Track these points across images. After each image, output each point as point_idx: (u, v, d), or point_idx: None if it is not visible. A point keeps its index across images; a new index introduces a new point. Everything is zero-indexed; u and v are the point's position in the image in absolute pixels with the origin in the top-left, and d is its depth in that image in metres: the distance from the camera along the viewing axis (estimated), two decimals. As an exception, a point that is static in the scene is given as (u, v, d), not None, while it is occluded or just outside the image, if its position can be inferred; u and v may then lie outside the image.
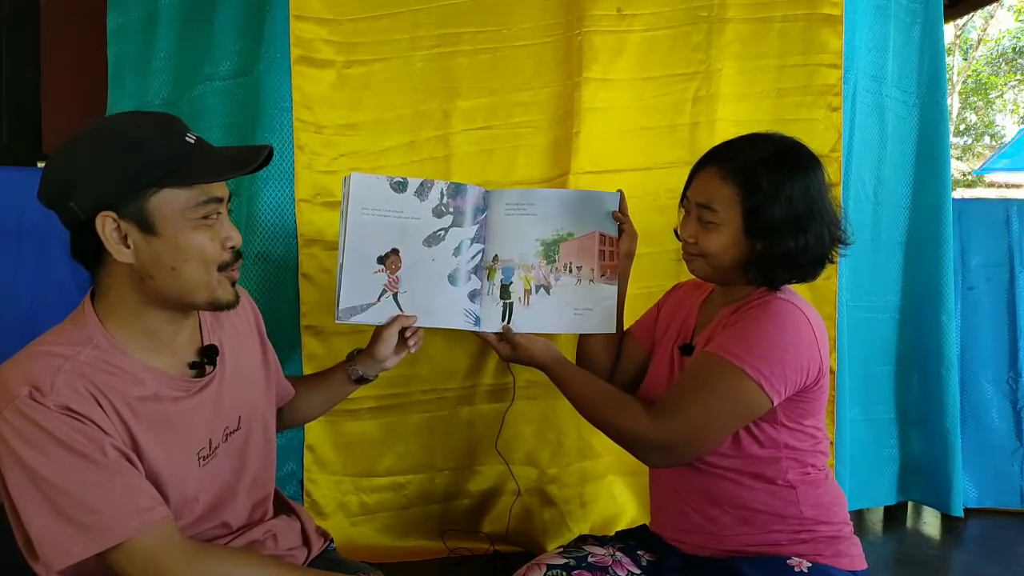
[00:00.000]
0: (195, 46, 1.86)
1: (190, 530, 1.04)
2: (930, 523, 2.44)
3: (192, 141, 0.98)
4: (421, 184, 1.34)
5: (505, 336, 1.38)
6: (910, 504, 2.50)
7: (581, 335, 1.48)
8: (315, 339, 1.85)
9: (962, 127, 16.59)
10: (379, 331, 1.32)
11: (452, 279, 1.37)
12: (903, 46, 2.25)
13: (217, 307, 1.03)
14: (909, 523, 2.45)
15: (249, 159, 0.99)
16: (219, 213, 1.00)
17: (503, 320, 1.39)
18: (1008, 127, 16.52)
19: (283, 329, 1.82)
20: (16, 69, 2.68)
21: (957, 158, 15.43)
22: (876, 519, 2.45)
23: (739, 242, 1.22)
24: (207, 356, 1.09)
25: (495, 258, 1.40)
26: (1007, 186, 13.32)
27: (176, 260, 0.97)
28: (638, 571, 1.29)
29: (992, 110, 16.77)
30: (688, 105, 1.99)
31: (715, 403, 1.18)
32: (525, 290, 1.40)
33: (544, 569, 1.24)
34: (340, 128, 1.86)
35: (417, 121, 1.90)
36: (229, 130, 1.85)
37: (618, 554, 1.30)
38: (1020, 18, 15.49)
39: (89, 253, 0.98)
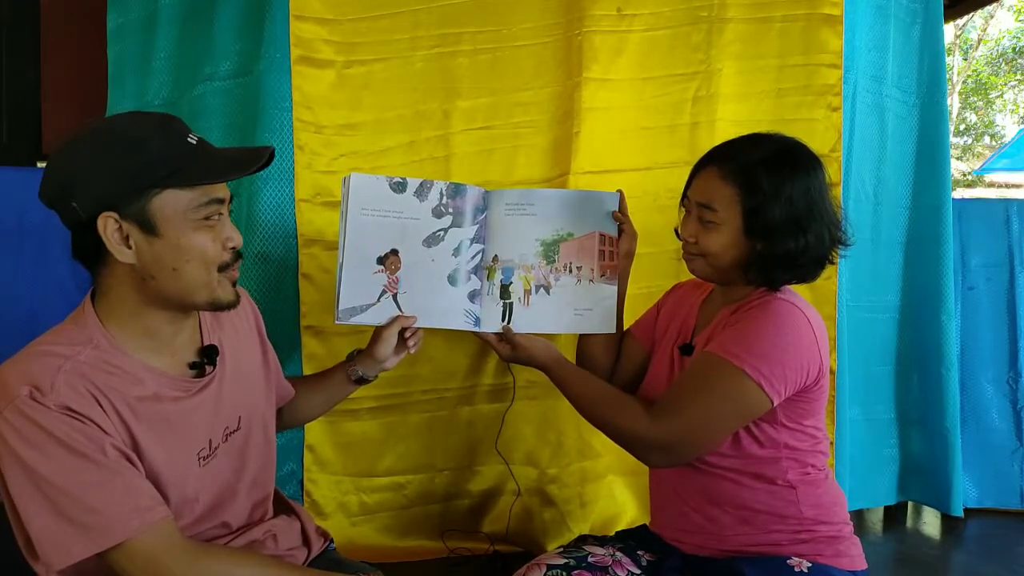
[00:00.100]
0: (195, 46, 1.86)
1: (190, 530, 1.04)
2: (930, 523, 2.44)
3: (194, 142, 0.98)
4: (421, 184, 1.34)
5: (505, 336, 1.38)
6: (910, 504, 2.50)
7: (581, 335, 1.48)
8: (315, 339, 1.86)
9: (962, 127, 16.60)
10: (379, 331, 1.33)
11: (452, 279, 1.37)
12: (903, 46, 2.25)
13: (218, 307, 1.03)
14: (909, 523, 2.45)
15: (251, 160, 1.00)
16: (221, 214, 1.00)
17: (503, 320, 1.39)
18: (1008, 127, 16.54)
19: (283, 329, 1.82)
20: (16, 69, 2.68)
21: (957, 158, 15.43)
22: (876, 519, 2.45)
23: (739, 242, 1.22)
24: (207, 356, 1.09)
25: (495, 258, 1.40)
26: (1007, 186, 13.32)
27: (177, 261, 0.97)
28: (638, 571, 1.29)
29: (992, 110, 16.77)
30: (688, 105, 1.99)
31: (715, 403, 1.18)
32: (525, 290, 1.40)
33: (544, 569, 1.24)
34: (340, 128, 1.86)
35: (417, 121, 1.90)
36: (229, 130, 1.85)
37: (618, 554, 1.30)
38: (1020, 18, 15.49)
39: (90, 253, 0.98)
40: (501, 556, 1.96)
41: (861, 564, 1.24)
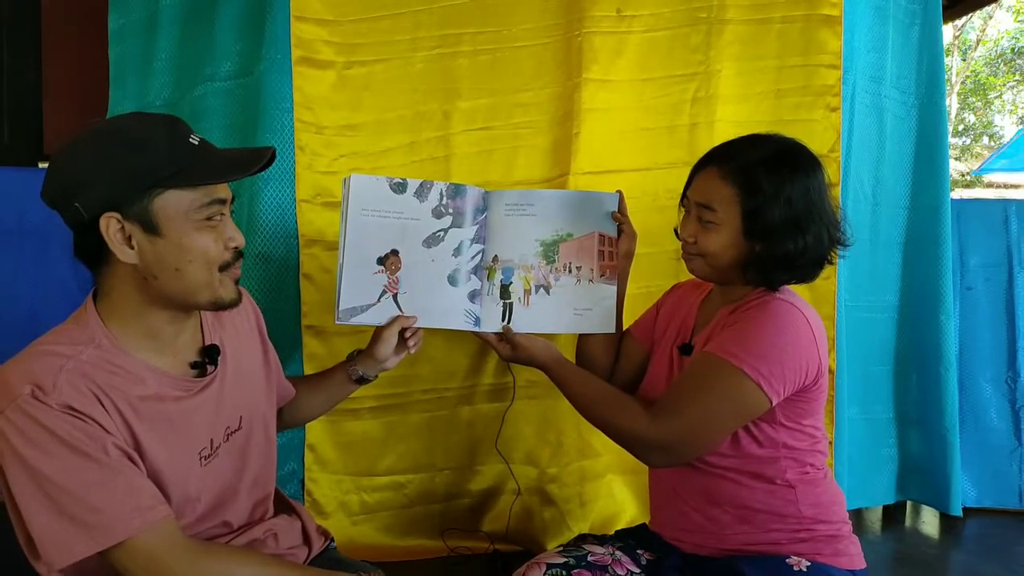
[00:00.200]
0: (196, 47, 1.87)
1: (191, 529, 1.05)
2: (929, 522, 2.45)
3: (196, 143, 0.99)
4: (421, 185, 1.35)
5: (505, 336, 1.38)
6: (909, 503, 2.51)
7: (581, 335, 1.48)
8: (316, 339, 1.86)
9: (961, 127, 16.61)
10: (379, 331, 1.33)
11: (452, 280, 1.37)
12: (902, 47, 2.26)
13: (220, 306, 1.04)
14: (908, 522, 2.46)
15: (252, 160, 1.00)
16: (223, 214, 1.01)
17: (503, 320, 1.40)
18: (1007, 127, 16.55)
19: (284, 329, 1.83)
20: (17, 69, 2.68)
21: (956, 158, 15.45)
22: (875, 518, 2.45)
23: (738, 242, 1.22)
24: (208, 356, 1.10)
25: (495, 258, 1.40)
26: (1005, 186, 13.32)
27: (180, 261, 0.98)
28: (638, 570, 1.29)
29: (991, 111, 16.79)
30: (687, 106, 2.00)
31: (714, 403, 1.18)
32: (525, 290, 1.40)
33: (544, 568, 1.24)
34: (341, 129, 1.86)
35: (417, 122, 1.91)
36: (230, 131, 1.85)
37: (618, 553, 1.31)
38: (1019, 19, 15.50)
39: (92, 253, 0.98)
40: (501, 555, 1.97)
41: (860, 563, 1.24)
